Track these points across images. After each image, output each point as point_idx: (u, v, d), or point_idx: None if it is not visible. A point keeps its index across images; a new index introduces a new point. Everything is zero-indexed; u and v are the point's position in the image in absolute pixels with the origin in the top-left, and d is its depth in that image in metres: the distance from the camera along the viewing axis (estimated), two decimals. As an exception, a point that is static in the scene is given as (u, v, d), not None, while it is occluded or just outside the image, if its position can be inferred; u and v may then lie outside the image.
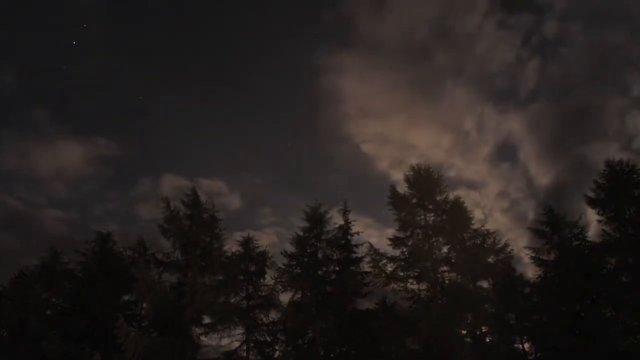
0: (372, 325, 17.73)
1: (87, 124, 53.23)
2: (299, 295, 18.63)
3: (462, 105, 49.85)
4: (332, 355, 18.45)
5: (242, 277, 19.10)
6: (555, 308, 17.27)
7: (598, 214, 17.81)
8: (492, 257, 19.16)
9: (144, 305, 19.71)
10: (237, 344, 18.37)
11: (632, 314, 15.78)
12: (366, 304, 18.80)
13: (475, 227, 18.52)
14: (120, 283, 19.37)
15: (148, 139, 52.12)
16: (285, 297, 18.80)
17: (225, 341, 18.14)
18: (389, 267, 17.75)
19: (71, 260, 21.65)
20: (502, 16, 50.54)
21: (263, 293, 19.21)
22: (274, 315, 18.90)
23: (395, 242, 18.09)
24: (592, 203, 18.10)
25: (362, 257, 18.75)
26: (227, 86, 53.98)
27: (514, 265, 19.78)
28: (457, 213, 17.84)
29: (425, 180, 18.53)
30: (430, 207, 18.24)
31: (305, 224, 19.51)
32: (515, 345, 18.85)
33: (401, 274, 17.54)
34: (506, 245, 19.62)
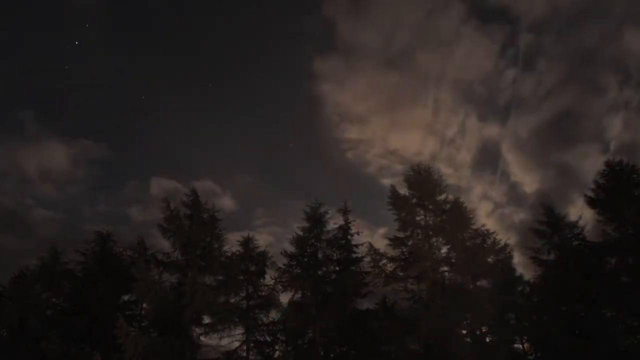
0: (372, 325, 17.72)
1: (75, 125, 53.49)
2: (299, 295, 18.62)
3: (445, 111, 50.65)
4: (332, 355, 18.44)
5: (242, 277, 19.09)
6: (555, 308, 17.28)
7: (598, 214, 17.82)
8: (492, 257, 19.19)
9: (144, 305, 19.71)
10: (237, 344, 18.37)
11: (632, 314, 15.78)
12: (366, 304, 18.84)
13: (475, 227, 18.56)
14: (120, 283, 19.37)
15: (140, 140, 52.67)
16: (285, 297, 18.82)
17: (225, 341, 18.14)
18: (389, 267, 17.73)
19: (71, 260, 21.69)
20: (478, 24, 51.46)
21: (263, 293, 19.21)
22: (274, 315, 18.91)
23: (395, 242, 18.07)
24: (592, 203, 18.11)
25: (362, 257, 18.75)
26: (220, 88, 54.46)
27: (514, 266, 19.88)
28: (457, 213, 17.82)
29: (425, 181, 18.52)
30: (430, 207, 18.22)
31: (305, 224, 19.52)
32: (515, 345, 18.88)
33: (401, 274, 17.52)
34: (506, 245, 19.68)
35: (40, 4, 48.22)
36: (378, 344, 17.30)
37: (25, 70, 48.79)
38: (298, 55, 52.94)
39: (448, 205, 18.13)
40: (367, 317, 18.16)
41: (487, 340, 17.85)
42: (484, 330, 18.02)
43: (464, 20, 49.45)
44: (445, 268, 17.53)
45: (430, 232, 17.79)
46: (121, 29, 51.29)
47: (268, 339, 18.84)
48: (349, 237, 19.37)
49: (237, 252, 19.19)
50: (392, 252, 18.04)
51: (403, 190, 18.67)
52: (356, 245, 19.15)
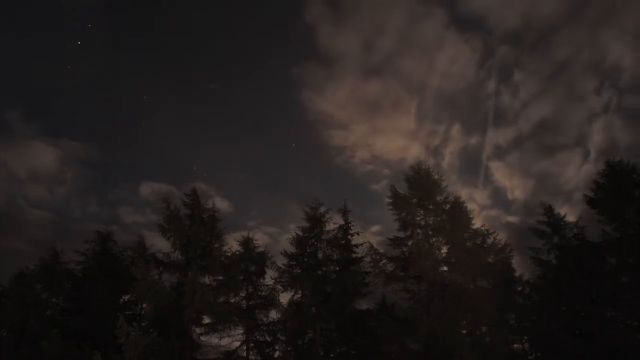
0: (372, 325, 17.73)
1: (64, 127, 53.63)
2: (299, 295, 18.63)
3: (428, 119, 51.25)
4: (332, 355, 18.45)
5: (242, 277, 19.11)
6: (555, 308, 17.28)
7: (598, 214, 17.82)
8: (492, 257, 19.19)
9: (144, 305, 19.73)
10: (237, 344, 18.40)
11: (632, 313, 15.78)
12: (366, 304, 18.86)
13: (475, 227, 18.56)
14: (120, 283, 19.38)
15: (129, 142, 52.85)
16: (285, 297, 18.84)
17: (225, 341, 18.17)
18: (389, 267, 17.73)
19: (71, 260, 21.72)
20: (459, 33, 52.76)
21: (263, 293, 19.24)
22: (274, 315, 18.94)
23: (395, 242, 18.07)
24: (592, 203, 18.11)
25: (362, 257, 18.76)
26: (211, 91, 54.96)
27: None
28: (457, 213, 17.81)
29: (425, 181, 18.52)
30: (430, 207, 18.21)
31: (305, 224, 19.53)
32: (515, 345, 18.89)
33: (401, 274, 17.51)
34: (506, 245, 19.68)
35: (41, 4, 48.30)
36: (378, 344, 17.29)
37: (12, 69, 48.70)
38: (282, 61, 53.64)
39: (448, 205, 18.11)
40: (367, 317, 18.17)
41: (487, 340, 17.84)
42: (484, 330, 18.02)
43: (445, 28, 50.29)
44: (445, 268, 17.52)
45: (430, 232, 17.77)
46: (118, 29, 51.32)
47: (268, 339, 18.87)
48: (349, 237, 19.38)
49: (237, 252, 19.20)
50: (392, 252, 18.06)
51: (403, 190, 18.69)
52: (356, 245, 19.20)
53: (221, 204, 42.01)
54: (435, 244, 17.64)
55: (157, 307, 16.86)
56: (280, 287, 18.84)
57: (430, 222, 18.00)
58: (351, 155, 51.17)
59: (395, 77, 51.46)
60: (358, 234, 19.40)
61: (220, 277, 18.31)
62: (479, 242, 18.75)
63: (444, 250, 17.76)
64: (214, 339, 17.96)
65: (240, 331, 18.42)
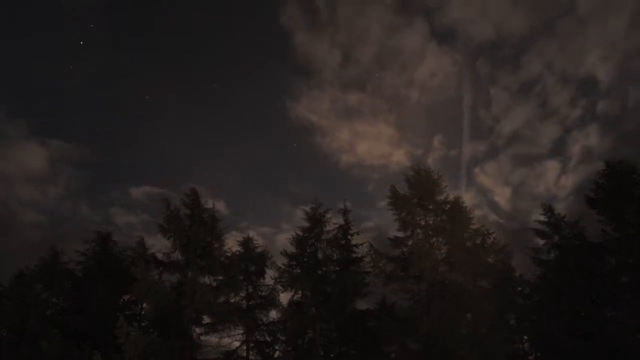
0: (372, 325, 17.73)
1: (59, 127, 53.66)
2: (299, 295, 18.62)
3: (409, 131, 52.17)
4: (332, 355, 18.44)
5: (242, 277, 19.11)
6: (555, 308, 17.28)
7: (598, 214, 17.82)
8: (492, 257, 19.17)
9: (144, 305, 19.74)
10: (237, 344, 18.40)
11: (632, 314, 15.78)
12: (366, 304, 18.85)
13: (475, 227, 18.53)
14: (120, 283, 19.38)
15: (120, 145, 52.97)
16: (285, 297, 18.84)
17: (225, 341, 18.17)
18: (389, 267, 17.73)
19: (71, 260, 21.73)
20: (438, 45, 53.37)
21: (263, 293, 19.24)
22: (274, 315, 18.94)
23: (395, 242, 18.07)
24: (592, 203, 18.12)
25: (362, 257, 18.76)
26: (203, 93, 55.36)
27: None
28: (457, 213, 17.81)
29: (425, 181, 18.52)
30: (430, 207, 18.21)
31: (305, 224, 19.53)
32: (515, 345, 18.88)
33: (401, 274, 17.51)
34: (506, 245, 19.66)
35: (42, 4, 48.37)
36: (378, 344, 17.30)
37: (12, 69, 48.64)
38: (263, 67, 54.50)
39: (448, 205, 18.11)
40: (367, 317, 18.16)
41: (487, 340, 17.83)
42: (484, 331, 18.00)
43: (424, 40, 51.58)
44: (445, 268, 17.52)
45: (430, 232, 17.77)
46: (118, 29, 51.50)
47: (268, 339, 18.86)
48: (349, 237, 19.38)
49: (237, 252, 19.20)
50: (392, 252, 18.04)
51: (403, 190, 18.68)
52: (356, 245, 19.18)
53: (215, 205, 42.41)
54: (435, 244, 17.64)
55: (157, 307, 16.87)
56: (280, 287, 18.85)
57: (430, 222, 18.00)
58: (336, 161, 52.13)
59: (374, 91, 52.92)
60: (358, 233, 19.42)
61: (220, 277, 18.30)
62: (479, 242, 18.72)
63: (444, 250, 17.77)
64: (214, 339, 17.98)
65: (240, 331, 18.42)
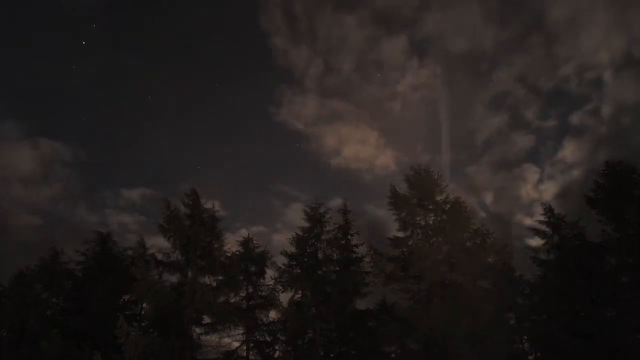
0: (372, 325, 17.72)
1: (55, 128, 53.72)
2: (299, 295, 18.62)
3: (392, 142, 53.05)
4: (332, 355, 18.44)
5: (242, 277, 19.10)
6: (555, 308, 17.28)
7: (598, 214, 17.82)
8: (492, 257, 19.15)
9: (144, 305, 19.73)
10: (237, 344, 18.39)
11: (632, 314, 15.77)
12: (366, 304, 18.85)
13: (475, 227, 18.52)
14: (120, 283, 19.37)
15: (114, 147, 53.02)
16: (285, 297, 18.82)
17: (225, 341, 18.16)
18: (389, 267, 17.73)
19: (71, 260, 21.73)
20: (418, 57, 54.74)
21: (263, 293, 19.22)
22: (274, 315, 18.93)
23: (395, 242, 18.07)
24: (592, 203, 18.11)
25: (362, 257, 18.76)
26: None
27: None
28: (457, 213, 17.80)
29: (425, 181, 18.52)
30: (431, 207, 18.21)
31: (305, 224, 19.52)
32: (515, 345, 18.86)
33: (401, 274, 17.50)
34: (506, 245, 19.64)
35: (43, 3, 48.38)
36: (378, 344, 17.30)
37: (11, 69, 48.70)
38: (250, 72, 55.06)
39: (448, 205, 18.10)
40: (367, 317, 18.16)
41: (487, 340, 17.82)
42: (484, 331, 17.98)
43: (403, 51, 53.31)
44: (445, 268, 17.51)
45: (430, 232, 17.77)
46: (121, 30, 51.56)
47: (268, 339, 18.85)
48: (349, 237, 19.38)
49: (237, 252, 19.19)
50: (392, 252, 18.04)
51: (403, 190, 18.68)
52: (356, 245, 19.19)
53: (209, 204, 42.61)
54: (435, 244, 17.64)
55: (157, 307, 16.86)
56: (280, 287, 18.82)
57: (430, 222, 18.01)
58: (326, 163, 52.78)
59: (355, 101, 53.99)
60: (358, 233, 19.43)
61: (220, 277, 18.29)
62: (479, 242, 18.72)
63: (444, 250, 17.76)
64: (214, 339, 17.96)
65: (240, 331, 18.41)
